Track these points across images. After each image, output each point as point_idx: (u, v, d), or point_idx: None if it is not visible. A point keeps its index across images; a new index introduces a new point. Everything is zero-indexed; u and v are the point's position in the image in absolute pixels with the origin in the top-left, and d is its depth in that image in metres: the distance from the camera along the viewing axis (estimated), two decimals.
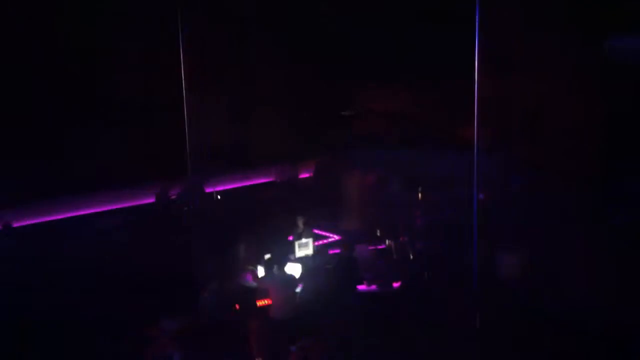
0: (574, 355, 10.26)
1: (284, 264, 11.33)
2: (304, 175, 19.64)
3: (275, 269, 10.83)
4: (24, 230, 15.53)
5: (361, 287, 12.05)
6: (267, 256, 11.94)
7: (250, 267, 12.08)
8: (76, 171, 16.44)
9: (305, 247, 12.99)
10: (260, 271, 11.66)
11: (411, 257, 13.39)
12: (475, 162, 9.15)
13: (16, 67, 16.04)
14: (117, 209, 17.15)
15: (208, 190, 17.02)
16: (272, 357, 10.11)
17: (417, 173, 16.36)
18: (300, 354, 9.28)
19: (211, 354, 9.63)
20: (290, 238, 13.32)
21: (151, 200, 16.69)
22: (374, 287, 12.15)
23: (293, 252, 12.91)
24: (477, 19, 9.07)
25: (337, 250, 13.03)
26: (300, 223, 13.20)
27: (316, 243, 13.35)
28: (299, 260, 12.61)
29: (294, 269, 11.98)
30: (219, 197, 16.86)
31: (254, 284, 11.50)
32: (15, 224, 15.03)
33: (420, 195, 15.46)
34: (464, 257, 12.56)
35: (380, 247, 13.84)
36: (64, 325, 11.18)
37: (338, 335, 10.08)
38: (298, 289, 11.43)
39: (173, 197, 16.48)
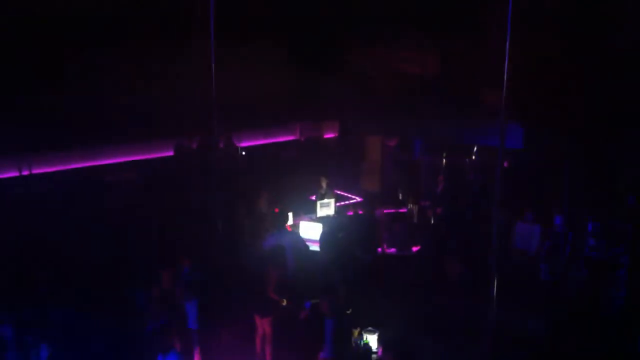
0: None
1: (282, 226, 11.45)
2: (328, 135, 19.66)
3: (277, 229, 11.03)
4: (49, 176, 15.81)
5: (380, 250, 12.19)
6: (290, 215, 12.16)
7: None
8: (98, 124, 16.49)
9: (327, 207, 13.09)
10: None
11: (432, 221, 13.43)
12: (501, 128, 9.02)
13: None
14: (141, 159, 17.29)
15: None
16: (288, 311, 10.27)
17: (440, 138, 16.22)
18: (313, 310, 9.46)
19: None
20: (313, 198, 13.43)
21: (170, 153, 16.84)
22: (393, 249, 12.26)
23: (315, 211, 13.03)
24: None
25: (359, 212, 13.14)
26: (323, 184, 13.26)
27: (338, 204, 13.43)
28: (320, 220, 12.73)
29: (314, 229, 12.13)
30: (243, 152, 16.94)
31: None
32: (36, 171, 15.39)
33: (444, 160, 15.45)
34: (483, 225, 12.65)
35: (401, 210, 13.91)
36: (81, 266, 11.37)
37: (351, 294, 10.21)
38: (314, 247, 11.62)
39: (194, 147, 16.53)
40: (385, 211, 13.06)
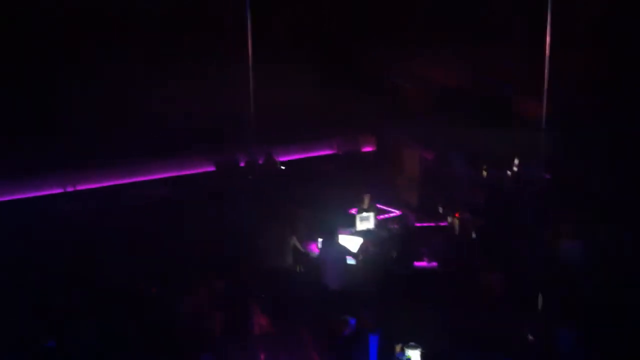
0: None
1: (337, 237, 11.49)
2: (366, 148, 19.62)
3: (328, 241, 11.06)
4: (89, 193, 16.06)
5: (421, 264, 12.11)
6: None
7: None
8: (137, 139, 16.69)
9: (366, 221, 13.05)
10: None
11: (473, 235, 13.28)
12: (542, 139, 8.89)
13: None
14: (179, 175, 17.46)
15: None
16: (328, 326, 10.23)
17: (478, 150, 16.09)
18: (358, 326, 9.40)
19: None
20: (353, 211, 13.40)
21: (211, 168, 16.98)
22: (434, 263, 12.16)
23: (354, 225, 13.00)
24: None
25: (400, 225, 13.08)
26: (366, 199, 13.24)
27: (379, 217, 13.39)
28: (360, 233, 12.70)
29: (354, 242, 12.10)
30: (282, 167, 17.05)
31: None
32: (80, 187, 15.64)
33: (484, 172, 15.28)
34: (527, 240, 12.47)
35: (441, 223, 13.76)
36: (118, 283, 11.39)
37: (390, 308, 10.15)
38: (351, 261, 11.62)
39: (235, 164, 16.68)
40: (425, 225, 12.99)
